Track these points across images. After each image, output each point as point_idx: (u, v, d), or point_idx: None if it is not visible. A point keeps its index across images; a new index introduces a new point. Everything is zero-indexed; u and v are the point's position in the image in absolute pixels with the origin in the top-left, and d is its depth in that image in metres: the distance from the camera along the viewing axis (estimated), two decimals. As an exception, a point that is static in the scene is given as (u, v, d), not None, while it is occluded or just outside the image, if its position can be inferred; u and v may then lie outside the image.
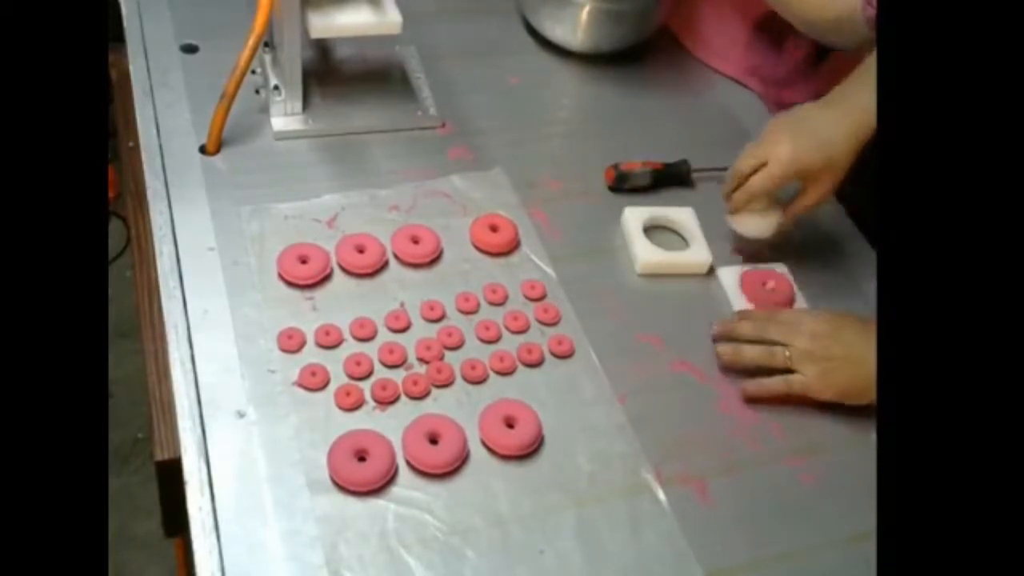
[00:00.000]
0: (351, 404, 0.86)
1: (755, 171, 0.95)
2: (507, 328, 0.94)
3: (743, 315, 0.94)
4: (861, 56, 1.06)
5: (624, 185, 1.10)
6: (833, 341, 0.87)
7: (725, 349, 0.91)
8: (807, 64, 1.22)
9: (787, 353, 0.88)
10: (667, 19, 1.28)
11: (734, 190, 0.98)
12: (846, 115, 0.93)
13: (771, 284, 1.00)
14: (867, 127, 0.92)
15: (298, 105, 1.10)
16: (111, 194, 2.07)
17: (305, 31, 1.01)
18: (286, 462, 0.81)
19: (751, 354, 0.90)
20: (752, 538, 0.79)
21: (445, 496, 0.81)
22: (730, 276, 1.02)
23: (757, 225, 1.01)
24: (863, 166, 0.93)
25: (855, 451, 0.89)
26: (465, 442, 0.84)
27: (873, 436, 0.89)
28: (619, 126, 1.21)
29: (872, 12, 1.00)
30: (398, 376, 0.89)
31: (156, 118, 1.08)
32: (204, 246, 0.96)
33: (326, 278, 0.95)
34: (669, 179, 1.12)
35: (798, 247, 1.06)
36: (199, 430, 0.82)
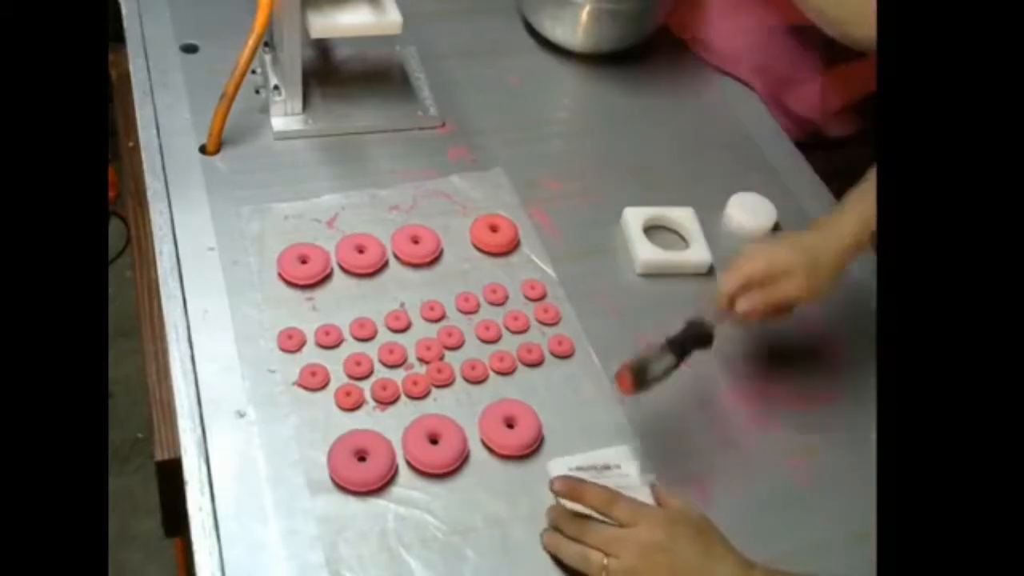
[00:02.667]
0: (351, 404, 0.86)
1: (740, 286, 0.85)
2: (507, 328, 0.94)
3: (575, 491, 0.78)
4: (871, 59, 1.06)
5: (647, 378, 0.84)
6: (664, 555, 0.74)
7: (547, 539, 0.79)
8: (815, 65, 1.22)
9: (605, 562, 0.75)
10: (667, 18, 1.28)
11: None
12: (834, 236, 0.87)
13: None
14: (853, 250, 0.87)
15: (298, 105, 1.10)
16: (111, 194, 2.07)
17: (305, 31, 1.01)
18: (286, 462, 0.81)
19: (568, 552, 0.77)
20: (752, 538, 0.79)
21: (445, 496, 0.81)
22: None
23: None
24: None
25: (855, 451, 0.89)
26: (465, 442, 0.84)
27: (873, 436, 0.89)
28: (619, 126, 1.21)
29: None
30: (398, 376, 0.89)
31: (156, 118, 1.08)
32: (204, 246, 0.96)
33: (326, 278, 0.95)
34: (691, 344, 0.86)
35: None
36: (199, 430, 0.82)
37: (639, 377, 0.82)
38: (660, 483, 0.84)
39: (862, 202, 0.89)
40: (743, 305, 0.85)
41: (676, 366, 0.83)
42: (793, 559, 0.78)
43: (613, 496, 0.77)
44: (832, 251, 0.87)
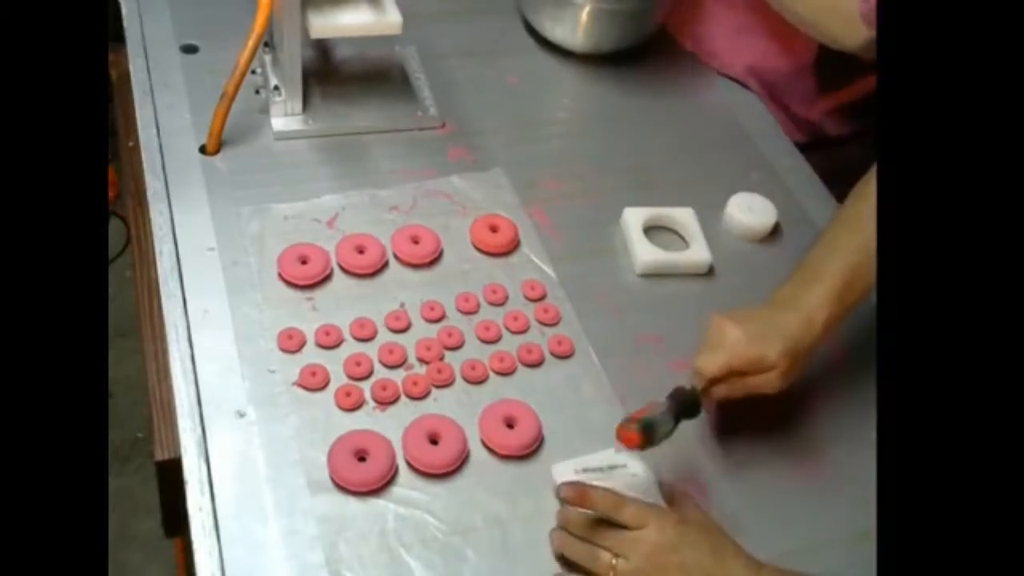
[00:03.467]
0: (351, 404, 0.86)
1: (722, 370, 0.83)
2: (507, 328, 0.94)
3: (582, 496, 0.78)
4: (865, 58, 1.06)
5: (656, 438, 0.81)
6: (673, 556, 0.74)
7: (556, 538, 0.79)
8: (807, 66, 1.22)
9: (613, 562, 0.75)
10: (666, 19, 1.28)
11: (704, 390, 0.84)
12: (809, 330, 0.84)
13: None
14: (826, 340, 0.86)
15: (298, 105, 1.10)
16: (111, 194, 2.07)
17: (305, 31, 1.01)
18: (286, 462, 0.81)
19: (576, 552, 0.78)
20: (752, 538, 0.79)
21: (445, 496, 0.81)
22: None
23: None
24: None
25: (855, 451, 0.89)
26: (465, 442, 0.84)
27: (873, 436, 0.89)
28: (619, 126, 1.21)
29: (866, 8, 0.99)
30: (398, 376, 0.89)
31: (156, 118, 1.08)
32: (204, 246, 0.96)
33: (326, 278, 0.95)
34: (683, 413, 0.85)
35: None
36: (199, 430, 0.82)
37: (650, 435, 0.79)
38: (660, 481, 0.84)
39: (833, 274, 0.86)
40: (721, 392, 0.84)
41: (674, 429, 0.82)
42: (793, 559, 0.78)
43: (620, 500, 0.77)
44: (808, 344, 0.84)
